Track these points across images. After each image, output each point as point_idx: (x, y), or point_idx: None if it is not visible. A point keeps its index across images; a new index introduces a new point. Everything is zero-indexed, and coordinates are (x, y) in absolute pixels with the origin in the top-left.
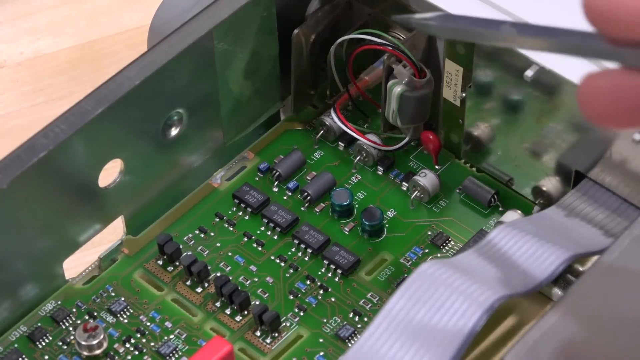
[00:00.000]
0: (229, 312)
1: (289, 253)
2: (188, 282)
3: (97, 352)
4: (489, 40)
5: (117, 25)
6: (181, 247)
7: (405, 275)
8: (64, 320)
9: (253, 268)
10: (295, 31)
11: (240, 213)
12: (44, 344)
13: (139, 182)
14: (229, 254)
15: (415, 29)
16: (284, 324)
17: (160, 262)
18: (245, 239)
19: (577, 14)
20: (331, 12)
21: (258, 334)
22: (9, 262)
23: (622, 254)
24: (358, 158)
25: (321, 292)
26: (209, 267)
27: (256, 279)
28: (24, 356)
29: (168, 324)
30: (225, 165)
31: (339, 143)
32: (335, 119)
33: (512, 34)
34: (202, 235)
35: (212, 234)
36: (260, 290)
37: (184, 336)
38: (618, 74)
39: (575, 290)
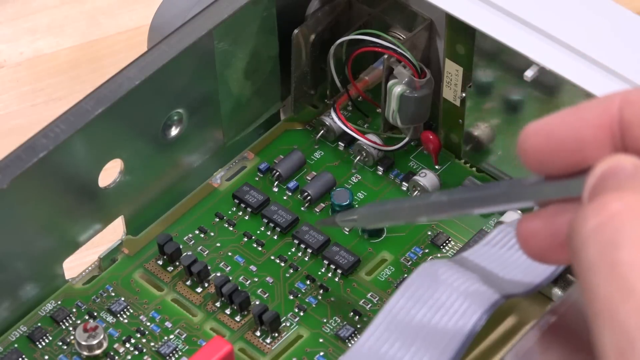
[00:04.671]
0: (229, 312)
1: (289, 253)
2: (188, 282)
3: (97, 352)
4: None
5: (117, 25)
6: (181, 247)
7: (405, 275)
8: (64, 320)
9: (253, 268)
10: (295, 31)
11: (240, 213)
12: (44, 344)
13: (139, 182)
14: (229, 254)
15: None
16: (284, 324)
17: (160, 262)
18: (245, 239)
19: (575, 10)
20: (331, 12)
21: (258, 334)
22: (9, 262)
23: None
24: (358, 158)
25: (321, 292)
26: (209, 267)
27: (256, 279)
28: (24, 356)
29: (168, 324)
30: (225, 165)
31: (339, 143)
32: (335, 119)
33: (443, 202)
34: (202, 235)
35: (212, 234)
36: (260, 290)
37: (184, 336)
38: (551, 211)
39: (575, 289)
